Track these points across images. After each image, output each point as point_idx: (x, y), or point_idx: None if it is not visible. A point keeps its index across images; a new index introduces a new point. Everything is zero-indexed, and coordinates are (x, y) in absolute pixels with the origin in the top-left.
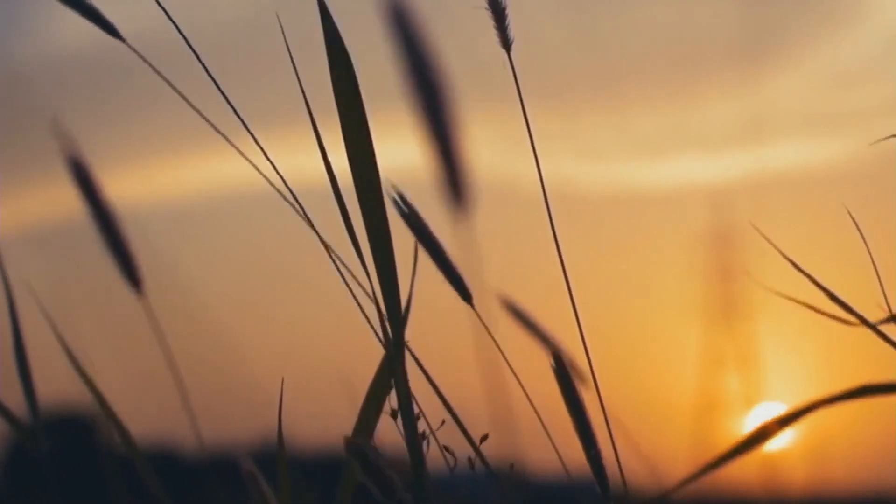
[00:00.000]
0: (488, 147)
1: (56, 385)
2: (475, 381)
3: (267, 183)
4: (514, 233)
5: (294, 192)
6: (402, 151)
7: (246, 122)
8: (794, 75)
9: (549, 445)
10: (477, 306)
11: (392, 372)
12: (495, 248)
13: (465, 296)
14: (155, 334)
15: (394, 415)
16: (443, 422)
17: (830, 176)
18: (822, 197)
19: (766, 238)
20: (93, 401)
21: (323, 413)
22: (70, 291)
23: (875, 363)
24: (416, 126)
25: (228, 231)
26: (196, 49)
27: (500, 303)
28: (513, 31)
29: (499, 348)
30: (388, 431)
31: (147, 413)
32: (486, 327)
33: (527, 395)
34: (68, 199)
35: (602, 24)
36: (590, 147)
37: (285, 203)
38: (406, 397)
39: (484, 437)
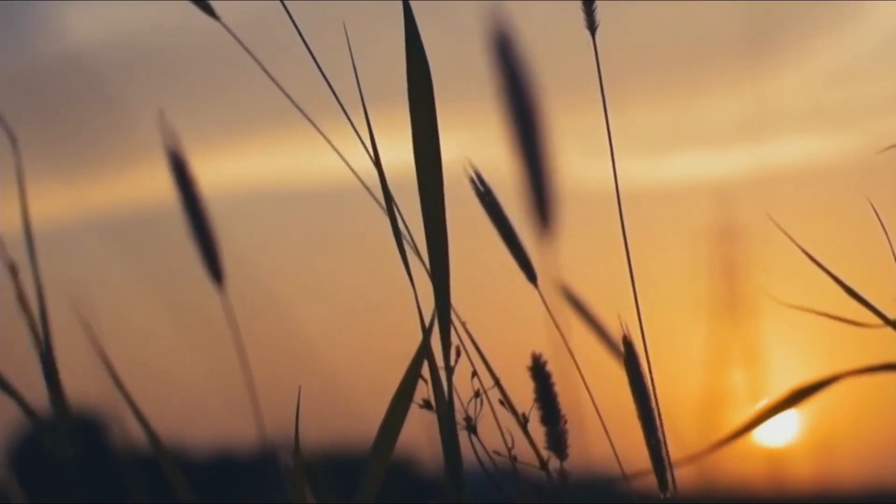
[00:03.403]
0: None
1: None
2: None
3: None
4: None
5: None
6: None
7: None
8: (797, 71)
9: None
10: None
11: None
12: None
13: (531, 276)
14: (230, 329)
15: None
16: (497, 381)
17: (834, 171)
18: (825, 192)
19: (783, 231)
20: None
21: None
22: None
23: (882, 358)
24: (506, 140)
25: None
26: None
27: (559, 289)
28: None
29: (559, 331)
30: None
31: (209, 409)
32: (549, 309)
33: (586, 385)
34: (123, 190)
35: (604, 23)
36: (592, 144)
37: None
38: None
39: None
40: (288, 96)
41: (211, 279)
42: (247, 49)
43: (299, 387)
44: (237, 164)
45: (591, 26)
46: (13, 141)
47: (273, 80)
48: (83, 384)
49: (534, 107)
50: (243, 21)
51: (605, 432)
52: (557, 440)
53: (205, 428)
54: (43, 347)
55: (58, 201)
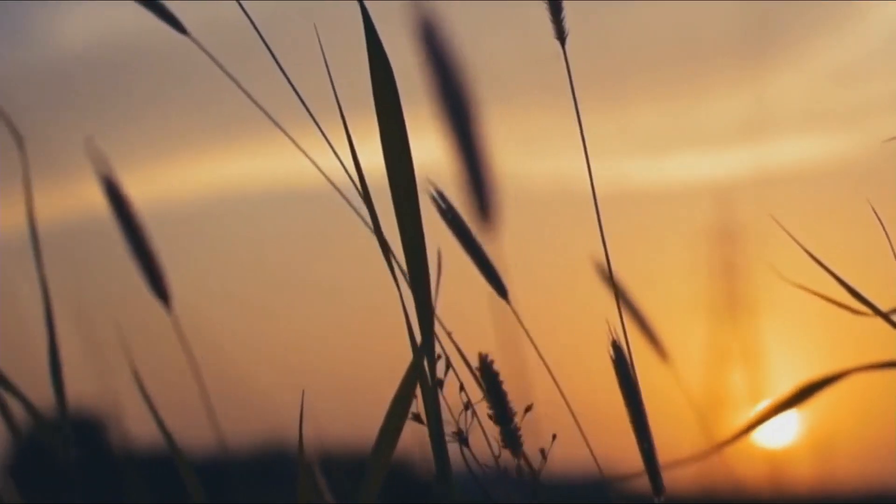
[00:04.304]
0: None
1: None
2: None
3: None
4: (521, 230)
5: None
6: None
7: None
8: (797, 71)
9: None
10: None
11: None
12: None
13: (501, 291)
14: (179, 339)
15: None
16: (486, 392)
17: (834, 171)
18: (825, 192)
19: (784, 230)
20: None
21: (346, 416)
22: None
23: (882, 357)
24: (443, 139)
25: (229, 232)
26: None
27: (594, 268)
28: (567, 23)
29: (533, 344)
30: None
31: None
32: (521, 322)
33: (561, 391)
34: (69, 203)
35: (604, 22)
36: (592, 144)
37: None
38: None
39: (528, 408)
40: (257, 106)
41: (157, 299)
42: (217, 62)
43: (303, 390)
44: (238, 163)
45: (561, 36)
46: (20, 141)
47: (246, 92)
48: (81, 385)
49: (468, 107)
50: (244, 19)
51: (583, 436)
52: (511, 437)
53: (196, 429)
54: (49, 349)
55: (47, 202)
